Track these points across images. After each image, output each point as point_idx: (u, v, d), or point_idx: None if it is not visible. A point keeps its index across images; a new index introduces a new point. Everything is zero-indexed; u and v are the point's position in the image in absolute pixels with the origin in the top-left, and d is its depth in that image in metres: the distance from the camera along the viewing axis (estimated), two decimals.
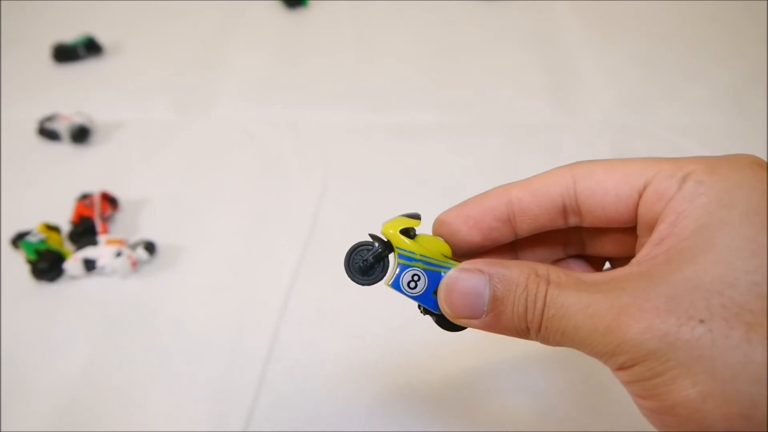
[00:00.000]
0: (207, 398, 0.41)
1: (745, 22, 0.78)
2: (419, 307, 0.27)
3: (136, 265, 0.49)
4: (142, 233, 0.53)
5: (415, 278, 0.25)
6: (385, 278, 0.26)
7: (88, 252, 0.49)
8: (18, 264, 0.50)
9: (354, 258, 0.26)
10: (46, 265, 0.48)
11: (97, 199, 0.53)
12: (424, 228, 0.27)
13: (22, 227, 0.51)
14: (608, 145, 0.60)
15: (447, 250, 0.26)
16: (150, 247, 0.50)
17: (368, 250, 0.26)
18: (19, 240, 0.50)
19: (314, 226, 0.53)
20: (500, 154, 0.60)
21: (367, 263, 0.26)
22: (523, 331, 0.23)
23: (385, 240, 0.26)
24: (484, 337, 0.43)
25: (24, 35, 0.81)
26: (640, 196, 0.24)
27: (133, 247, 0.50)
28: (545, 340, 0.23)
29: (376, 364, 0.42)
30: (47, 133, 0.63)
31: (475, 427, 0.39)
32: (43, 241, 0.49)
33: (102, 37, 0.77)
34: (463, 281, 0.24)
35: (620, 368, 0.21)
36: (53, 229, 0.51)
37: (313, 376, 0.42)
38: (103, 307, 0.47)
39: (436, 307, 0.26)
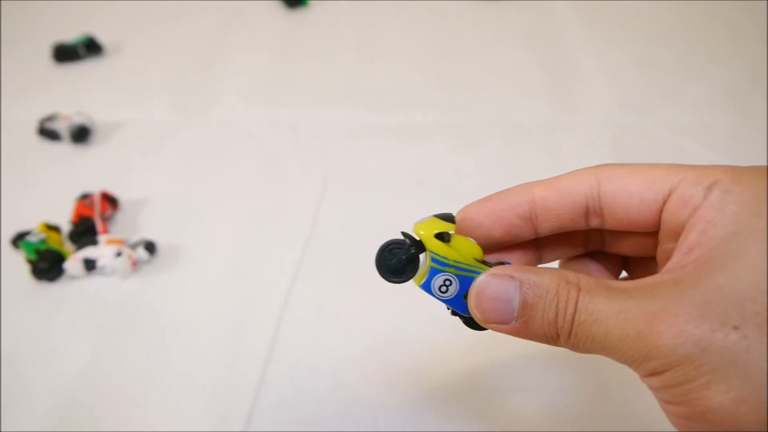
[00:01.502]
0: (207, 398, 0.41)
1: (745, 22, 0.78)
2: (448, 308, 0.27)
3: (136, 265, 0.49)
4: (142, 233, 0.53)
5: (447, 283, 0.25)
6: (415, 278, 0.26)
7: (88, 252, 0.49)
8: (18, 264, 0.50)
9: (385, 256, 0.26)
10: (46, 265, 0.48)
11: (97, 199, 0.53)
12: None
13: (22, 227, 0.51)
14: (608, 145, 0.60)
15: (479, 253, 0.26)
16: (150, 247, 0.50)
17: (400, 249, 0.26)
18: (19, 240, 0.50)
19: (314, 226, 0.53)
20: (500, 154, 0.60)
21: (399, 264, 0.26)
22: (552, 338, 0.23)
23: (418, 240, 0.25)
24: (488, 336, 0.43)
25: (24, 35, 0.81)
26: (664, 202, 0.24)
27: (133, 247, 0.50)
28: (574, 347, 0.23)
29: (377, 364, 0.42)
30: (47, 133, 0.63)
31: (479, 427, 0.39)
32: (43, 241, 0.49)
33: (102, 37, 0.77)
34: (493, 287, 0.24)
35: (651, 374, 0.21)
36: (53, 229, 0.51)
37: (313, 377, 0.42)
38: (103, 307, 0.47)
39: (466, 310, 0.26)
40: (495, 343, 0.43)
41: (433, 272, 0.25)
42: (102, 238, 0.50)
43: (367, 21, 0.81)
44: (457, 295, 0.26)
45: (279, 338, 0.44)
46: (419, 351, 0.43)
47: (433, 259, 0.25)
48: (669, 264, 0.23)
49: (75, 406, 0.41)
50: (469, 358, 0.42)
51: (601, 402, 0.40)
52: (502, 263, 0.26)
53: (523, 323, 0.24)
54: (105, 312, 0.47)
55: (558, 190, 0.26)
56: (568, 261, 0.30)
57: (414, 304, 0.46)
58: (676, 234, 0.23)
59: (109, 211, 0.54)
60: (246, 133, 0.64)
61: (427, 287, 0.26)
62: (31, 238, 0.49)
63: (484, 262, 0.26)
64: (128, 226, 0.54)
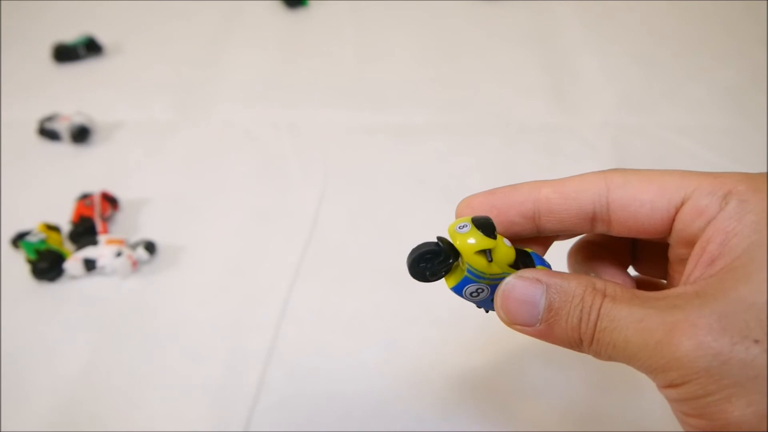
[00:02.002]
0: (207, 399, 0.41)
1: (745, 22, 0.78)
2: (478, 307, 0.27)
3: (136, 265, 0.49)
4: (142, 233, 0.53)
5: (479, 290, 0.25)
6: (447, 280, 0.26)
7: (88, 252, 0.49)
8: (18, 264, 0.50)
9: (420, 263, 0.25)
10: (46, 265, 0.48)
11: (97, 199, 0.53)
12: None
13: (22, 227, 0.51)
14: (608, 145, 0.60)
15: (512, 258, 0.25)
16: (150, 247, 0.50)
17: (435, 255, 0.25)
18: (19, 240, 0.50)
19: (314, 226, 0.53)
20: (500, 154, 0.60)
21: (434, 274, 0.25)
22: (576, 343, 0.23)
23: (455, 249, 0.25)
24: (490, 337, 0.43)
25: (24, 35, 0.81)
26: (676, 211, 0.24)
27: (133, 247, 0.50)
28: (597, 354, 0.23)
29: (377, 365, 0.42)
30: (47, 133, 0.63)
31: (479, 427, 0.39)
32: (43, 241, 0.49)
33: (102, 37, 0.77)
34: (519, 289, 0.24)
35: (669, 385, 0.21)
36: (53, 229, 0.51)
37: (313, 377, 0.42)
38: (103, 307, 0.47)
39: (490, 307, 0.26)
40: (498, 342, 0.43)
41: (467, 281, 0.25)
42: (102, 238, 0.50)
43: (367, 21, 0.81)
44: (487, 298, 0.26)
45: (279, 338, 0.44)
46: (420, 351, 0.43)
47: (470, 271, 0.25)
48: (691, 276, 0.23)
49: (75, 406, 0.41)
50: (470, 358, 0.42)
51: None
52: (528, 254, 0.26)
53: (547, 327, 0.24)
54: (105, 312, 0.47)
55: (565, 193, 0.26)
56: (578, 253, 0.30)
57: (414, 303, 0.46)
58: (689, 242, 0.23)
59: (109, 211, 0.54)
60: (246, 133, 0.64)
61: (458, 291, 0.25)
62: (31, 238, 0.49)
63: (514, 264, 0.25)
64: (128, 226, 0.54)
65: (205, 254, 0.51)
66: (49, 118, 0.63)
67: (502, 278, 0.25)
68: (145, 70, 0.74)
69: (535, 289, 0.24)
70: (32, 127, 0.63)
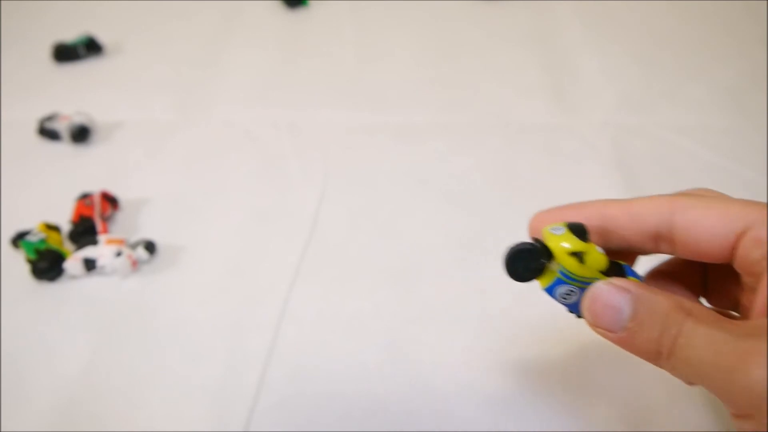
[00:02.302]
0: (207, 399, 0.41)
1: (745, 22, 0.78)
2: (570, 312, 0.28)
3: (136, 264, 0.49)
4: (142, 233, 0.53)
5: (570, 292, 0.26)
6: (540, 281, 0.27)
7: (88, 252, 0.49)
8: (18, 264, 0.50)
9: (516, 262, 0.27)
10: (46, 264, 0.48)
11: (97, 199, 0.53)
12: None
13: (22, 227, 0.51)
14: (608, 145, 0.60)
15: (605, 264, 0.26)
16: (150, 247, 0.50)
17: (530, 254, 0.26)
18: (19, 240, 0.50)
19: (314, 226, 0.53)
20: (500, 154, 0.60)
21: (528, 272, 0.27)
22: (654, 355, 0.24)
23: (549, 251, 0.26)
24: (490, 338, 0.43)
25: (24, 35, 0.81)
26: (737, 239, 0.25)
27: (133, 246, 0.50)
28: (673, 369, 0.24)
29: (377, 365, 0.42)
30: (47, 132, 0.63)
31: (479, 427, 0.39)
32: (43, 241, 0.49)
33: (102, 37, 0.77)
34: (608, 294, 0.25)
35: (739, 415, 0.21)
36: (53, 228, 0.51)
37: (313, 377, 0.42)
38: (103, 306, 0.47)
39: (580, 312, 0.27)
40: (499, 343, 0.43)
41: (559, 282, 0.26)
42: (102, 237, 0.50)
43: (368, 21, 0.81)
44: (576, 302, 0.27)
45: (279, 338, 0.44)
46: (420, 351, 0.43)
47: (561, 272, 0.26)
48: (762, 306, 0.23)
49: (75, 406, 0.41)
50: (470, 358, 0.42)
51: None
52: (621, 266, 0.27)
53: (629, 335, 0.24)
54: (105, 312, 0.47)
55: (631, 214, 0.27)
56: (650, 282, 0.31)
57: (414, 303, 0.46)
58: (752, 270, 0.24)
59: (109, 211, 0.54)
60: (246, 133, 0.64)
61: (550, 292, 0.27)
62: (31, 238, 0.49)
63: (607, 273, 0.26)
64: (128, 226, 0.54)
65: (205, 254, 0.51)
66: (49, 118, 0.63)
67: (593, 283, 0.26)
68: (145, 70, 0.74)
69: (621, 297, 0.24)
70: (32, 126, 0.63)
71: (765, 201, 0.25)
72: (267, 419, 0.40)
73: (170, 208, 0.56)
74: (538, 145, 0.61)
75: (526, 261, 0.26)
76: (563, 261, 0.25)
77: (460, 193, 0.56)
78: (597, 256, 0.26)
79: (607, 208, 0.27)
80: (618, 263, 0.28)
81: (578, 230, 0.26)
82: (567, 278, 0.26)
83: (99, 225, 0.52)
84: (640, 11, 0.81)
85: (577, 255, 0.25)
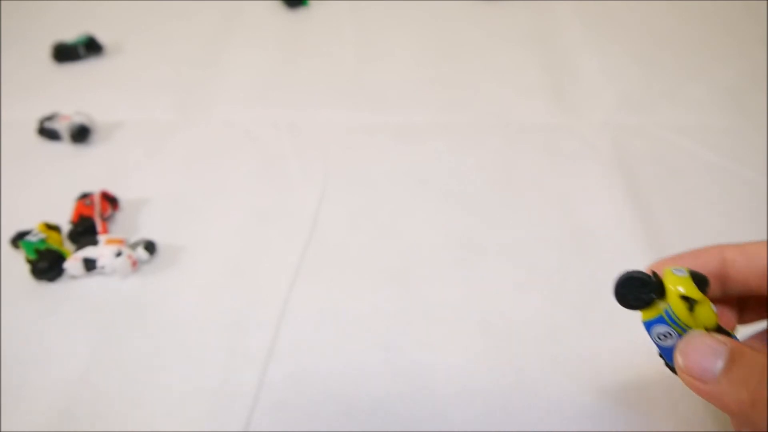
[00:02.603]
0: (207, 399, 0.41)
1: (745, 22, 0.78)
2: (660, 355, 0.28)
3: (136, 264, 0.49)
4: (142, 233, 0.53)
5: (668, 334, 0.26)
6: (643, 312, 0.27)
7: (88, 252, 0.49)
8: (18, 264, 0.50)
9: (625, 283, 0.26)
10: (46, 264, 0.48)
11: (97, 199, 0.53)
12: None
13: (22, 227, 0.51)
14: (608, 145, 0.60)
15: (714, 323, 0.26)
16: (150, 247, 0.50)
17: (643, 284, 0.26)
18: (19, 240, 0.50)
19: (314, 226, 0.53)
20: (500, 154, 0.60)
21: (636, 303, 0.26)
22: (744, 404, 0.23)
23: (663, 287, 0.26)
24: (490, 339, 0.43)
25: (24, 35, 0.81)
26: None
27: (133, 246, 0.50)
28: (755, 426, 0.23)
29: (377, 365, 0.42)
30: (47, 132, 0.63)
31: (478, 427, 0.39)
32: (43, 241, 0.49)
33: (102, 37, 0.77)
34: (704, 342, 0.25)
35: None
36: (53, 228, 0.51)
37: (313, 377, 0.42)
38: (103, 306, 0.47)
39: (671, 359, 0.26)
40: (499, 344, 0.43)
41: (661, 320, 0.26)
42: (102, 237, 0.50)
43: (368, 21, 0.81)
44: (671, 347, 0.26)
45: (279, 338, 0.44)
46: (419, 351, 0.43)
47: (667, 312, 0.25)
48: None
49: (74, 406, 0.41)
50: (470, 358, 0.42)
51: None
52: (728, 333, 0.26)
53: (719, 389, 0.24)
54: (105, 312, 0.47)
55: (748, 254, 0.27)
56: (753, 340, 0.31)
57: (414, 304, 0.46)
58: None
59: (109, 211, 0.54)
60: (246, 133, 0.64)
61: (648, 327, 0.26)
62: (31, 238, 0.49)
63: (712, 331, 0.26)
64: (128, 226, 0.54)
65: (205, 254, 0.51)
66: (49, 118, 0.63)
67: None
68: (145, 70, 0.74)
69: (718, 347, 0.24)
70: (32, 126, 0.63)
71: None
72: (267, 419, 0.40)
73: (170, 208, 0.56)
74: (538, 145, 0.61)
75: (638, 290, 0.26)
76: (673, 302, 0.25)
77: (460, 193, 0.56)
78: (708, 312, 0.25)
79: (724, 252, 0.28)
80: (726, 330, 0.27)
81: (699, 279, 0.26)
82: (670, 319, 0.25)
83: (99, 225, 0.52)
84: (640, 11, 0.81)
85: (689, 301, 0.25)
